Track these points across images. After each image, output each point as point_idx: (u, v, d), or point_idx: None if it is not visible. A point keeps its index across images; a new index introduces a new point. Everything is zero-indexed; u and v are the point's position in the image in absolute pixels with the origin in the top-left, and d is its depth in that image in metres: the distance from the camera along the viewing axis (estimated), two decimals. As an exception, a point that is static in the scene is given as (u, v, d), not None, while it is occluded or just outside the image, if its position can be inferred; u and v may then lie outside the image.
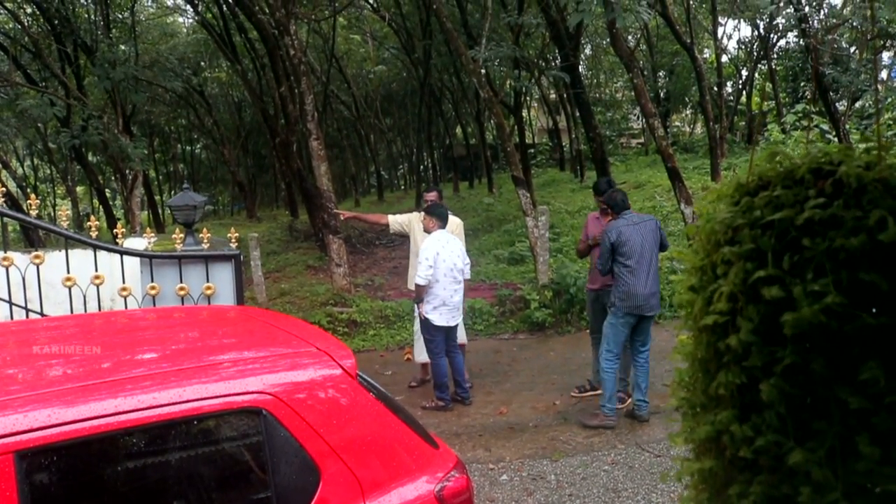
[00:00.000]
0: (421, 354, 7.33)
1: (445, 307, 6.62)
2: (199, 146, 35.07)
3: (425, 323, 6.68)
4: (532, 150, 26.91)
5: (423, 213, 7.09)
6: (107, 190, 26.35)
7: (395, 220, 7.68)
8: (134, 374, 2.32)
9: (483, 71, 11.65)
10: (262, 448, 2.33)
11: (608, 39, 16.90)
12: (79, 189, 29.30)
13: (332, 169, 12.14)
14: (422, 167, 29.55)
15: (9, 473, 1.96)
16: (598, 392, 6.63)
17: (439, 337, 6.70)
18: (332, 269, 10.48)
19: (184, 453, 2.29)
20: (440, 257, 6.54)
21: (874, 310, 0.74)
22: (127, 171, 15.99)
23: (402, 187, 34.61)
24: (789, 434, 0.78)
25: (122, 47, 15.96)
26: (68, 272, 4.59)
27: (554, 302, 9.42)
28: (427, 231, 6.83)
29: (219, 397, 2.29)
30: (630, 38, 23.90)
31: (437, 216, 6.78)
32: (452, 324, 6.76)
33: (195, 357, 2.55)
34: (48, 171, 33.31)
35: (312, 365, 2.57)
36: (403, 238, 15.09)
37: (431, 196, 7.53)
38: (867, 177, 0.77)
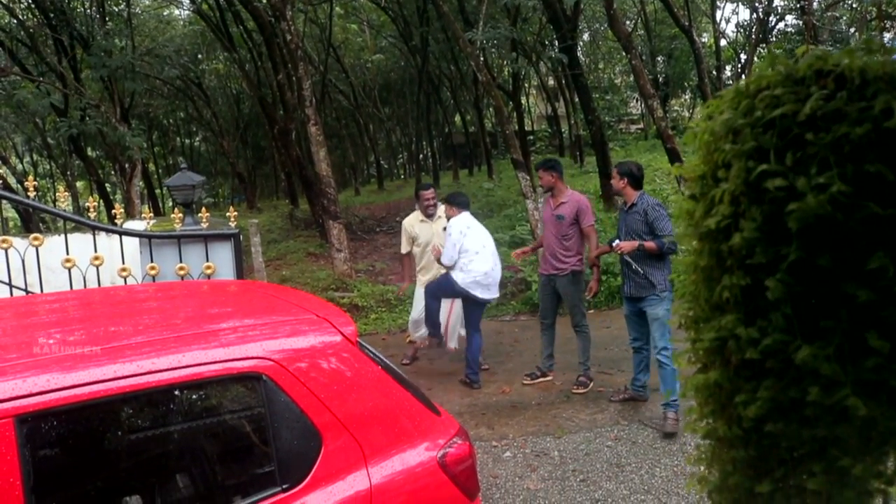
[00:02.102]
0: (416, 332, 7.37)
1: (488, 278, 6.60)
2: (198, 139, 35.03)
3: (467, 299, 6.64)
4: (531, 137, 26.85)
5: (422, 205, 7.19)
6: (107, 185, 26.34)
7: (404, 245, 7.44)
8: (133, 342, 2.30)
9: (481, 58, 11.61)
10: (263, 413, 2.32)
11: (606, 24, 16.86)
12: (79, 184, 29.27)
13: (331, 159, 12.12)
14: (421, 156, 29.52)
15: (9, 438, 1.95)
16: (549, 378, 6.81)
17: (479, 311, 6.79)
18: (332, 255, 10.47)
19: (184, 419, 2.28)
20: (467, 237, 6.51)
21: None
22: (126, 166, 15.98)
23: (402, 176, 34.60)
24: (796, 334, 0.76)
25: (118, 41, 15.91)
26: (67, 255, 4.58)
27: (555, 283, 9.40)
28: (449, 218, 6.77)
29: (218, 363, 2.27)
30: (628, 22, 23.80)
31: (458, 204, 6.77)
32: (490, 297, 6.75)
33: (195, 325, 2.54)
34: (48, 167, 33.27)
35: (313, 331, 2.56)
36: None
37: (430, 194, 7.27)
38: (871, 71, 0.75)
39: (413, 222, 7.29)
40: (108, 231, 4.62)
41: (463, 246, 6.48)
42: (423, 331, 7.15)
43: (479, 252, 6.55)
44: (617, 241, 5.74)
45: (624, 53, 16.46)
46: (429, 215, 7.23)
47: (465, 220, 6.66)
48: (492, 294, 6.73)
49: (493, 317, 9.35)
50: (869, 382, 0.73)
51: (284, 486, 2.30)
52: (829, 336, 0.75)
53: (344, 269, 10.29)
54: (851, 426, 0.77)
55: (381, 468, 2.50)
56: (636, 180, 5.74)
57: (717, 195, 0.83)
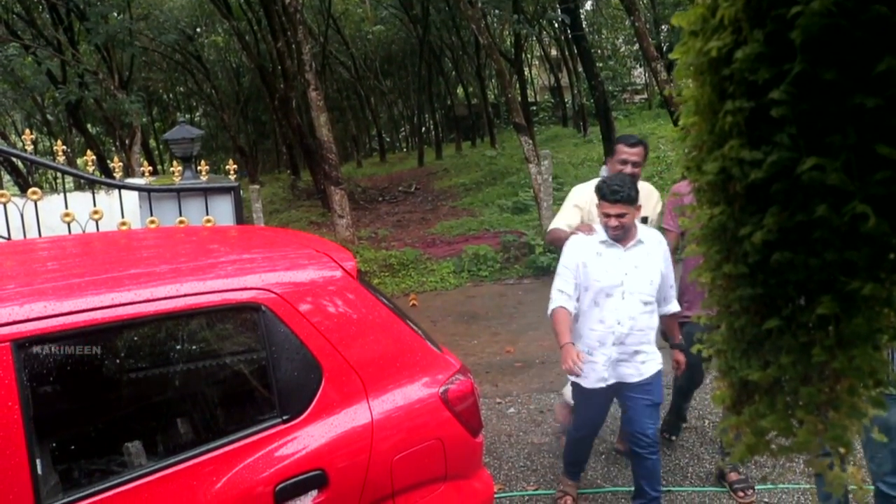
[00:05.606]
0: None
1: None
2: (198, 113, 34.91)
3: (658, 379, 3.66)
4: (534, 108, 26.72)
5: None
6: (108, 161, 26.25)
7: (562, 218, 4.23)
8: (131, 272, 2.28)
9: (482, 22, 11.48)
10: (263, 345, 2.30)
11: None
12: (79, 161, 29.18)
13: (333, 132, 12.04)
14: (423, 128, 29.41)
15: (7, 362, 1.93)
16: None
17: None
18: (334, 221, 10.44)
19: (182, 348, 2.26)
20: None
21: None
22: (126, 141, 15.90)
23: (404, 149, 34.48)
24: (802, 153, 0.73)
25: (116, 14, 15.76)
26: (66, 210, 4.56)
27: (558, 248, 9.37)
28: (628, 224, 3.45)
29: (217, 292, 2.25)
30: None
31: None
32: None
33: (194, 259, 2.51)
34: (48, 144, 33.17)
35: (312, 265, 2.54)
36: (407, 194, 14.79)
37: (635, 152, 3.94)
38: None
39: (593, 195, 3.70)
40: (107, 185, 4.58)
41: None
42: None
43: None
44: None
45: (626, 19, 16.29)
46: None
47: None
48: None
49: (496, 280, 9.34)
50: (878, 198, 0.71)
51: (285, 418, 2.29)
52: (835, 152, 0.72)
53: (346, 236, 10.26)
54: (861, 252, 0.75)
55: (382, 402, 2.48)
56: None
57: (717, 19, 0.80)
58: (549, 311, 3.57)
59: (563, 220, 4.19)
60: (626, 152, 3.94)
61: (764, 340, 0.85)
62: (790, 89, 0.72)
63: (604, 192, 3.43)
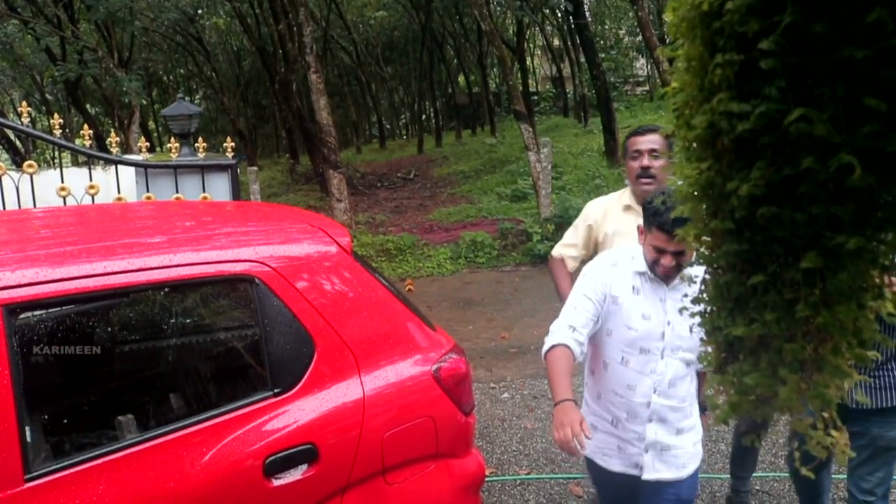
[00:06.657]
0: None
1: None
2: (198, 96, 34.78)
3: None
4: (535, 97, 26.65)
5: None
6: (106, 140, 26.13)
7: (569, 250, 3.34)
8: (125, 242, 2.28)
9: (485, 9, 11.43)
10: (256, 317, 2.30)
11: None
12: (77, 142, 29.00)
13: (333, 116, 11.99)
14: (424, 116, 29.35)
15: (-3, 326, 1.93)
16: None
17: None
18: (332, 205, 10.43)
19: (175, 318, 2.26)
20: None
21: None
22: (125, 122, 15.85)
23: (405, 136, 34.42)
24: (790, 105, 0.73)
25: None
26: (62, 184, 4.54)
27: (556, 235, 9.38)
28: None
29: (210, 264, 2.24)
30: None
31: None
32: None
33: (189, 230, 2.51)
34: (46, 124, 33.03)
35: (307, 239, 2.53)
36: (405, 181, 14.87)
37: (650, 140, 3.02)
38: None
39: (610, 208, 3.21)
40: (104, 160, 4.57)
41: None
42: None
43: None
44: None
45: (630, 9, 16.23)
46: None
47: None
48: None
49: (493, 267, 9.35)
50: (865, 151, 0.71)
51: (276, 391, 2.29)
52: (824, 105, 0.72)
53: (344, 220, 10.25)
54: (847, 207, 0.75)
55: (374, 378, 2.48)
56: None
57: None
58: (543, 351, 2.47)
59: (567, 243, 3.37)
60: (638, 141, 3.05)
61: (749, 298, 0.85)
62: (780, 40, 0.71)
63: (660, 220, 2.28)
